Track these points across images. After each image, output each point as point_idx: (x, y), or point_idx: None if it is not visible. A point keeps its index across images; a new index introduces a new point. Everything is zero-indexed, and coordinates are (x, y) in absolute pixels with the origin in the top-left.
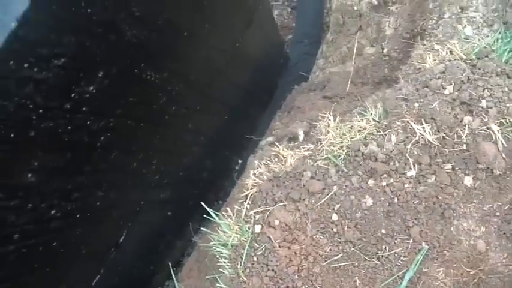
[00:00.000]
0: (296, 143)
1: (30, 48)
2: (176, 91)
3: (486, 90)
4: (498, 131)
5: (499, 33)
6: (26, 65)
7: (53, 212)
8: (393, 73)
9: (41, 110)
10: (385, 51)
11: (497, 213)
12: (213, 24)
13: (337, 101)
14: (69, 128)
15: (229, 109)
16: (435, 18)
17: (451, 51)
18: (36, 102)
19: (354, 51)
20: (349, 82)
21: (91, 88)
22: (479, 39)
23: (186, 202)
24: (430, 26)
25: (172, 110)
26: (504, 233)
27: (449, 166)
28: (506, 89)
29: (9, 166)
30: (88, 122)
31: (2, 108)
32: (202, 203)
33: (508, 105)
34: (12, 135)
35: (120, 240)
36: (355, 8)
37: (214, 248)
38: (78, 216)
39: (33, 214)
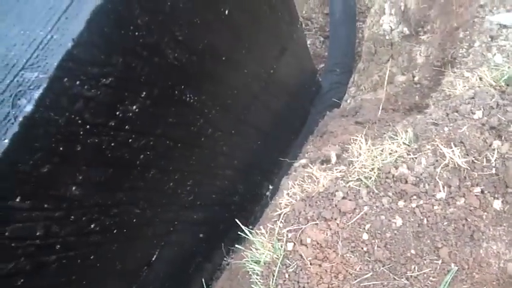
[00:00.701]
0: (329, 165)
1: (82, 67)
2: (213, 114)
3: None
4: None
5: None
6: (77, 83)
7: (92, 225)
8: (424, 100)
9: (88, 126)
10: (416, 79)
11: None
12: (250, 50)
13: (368, 126)
14: (112, 144)
15: (263, 134)
16: (465, 47)
17: (480, 78)
18: (84, 118)
19: (386, 78)
20: (380, 108)
21: (134, 107)
22: (508, 67)
23: (218, 225)
24: (460, 55)
25: (209, 133)
26: None
27: (478, 189)
28: None
29: (57, 178)
30: (130, 140)
31: (55, 122)
32: (237, 220)
33: None
34: (61, 148)
35: (153, 259)
36: (387, 37)
37: (247, 265)
38: (115, 231)
39: (74, 226)
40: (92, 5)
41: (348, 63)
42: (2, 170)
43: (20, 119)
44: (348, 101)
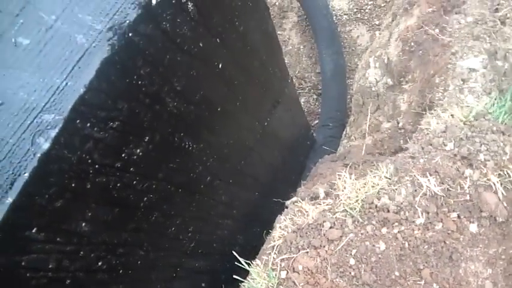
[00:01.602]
0: (317, 200)
1: (92, 110)
2: (211, 162)
3: (483, 145)
4: (497, 182)
5: (495, 98)
6: (88, 125)
7: (100, 263)
8: (407, 143)
9: (97, 166)
10: (400, 124)
11: (503, 256)
12: (243, 103)
13: (355, 167)
14: (118, 185)
15: (260, 186)
16: (441, 90)
17: (452, 115)
18: (93, 158)
19: (369, 126)
20: (364, 148)
21: (138, 151)
22: (477, 104)
23: (219, 275)
24: (437, 98)
25: (208, 180)
26: (510, 274)
27: (454, 214)
28: (501, 144)
29: (69, 213)
30: (134, 182)
31: (68, 160)
32: (234, 252)
33: (504, 158)
34: (73, 185)
35: None
36: (373, 89)
37: None
38: (121, 271)
39: (83, 262)
40: (101, 56)
41: (341, 117)
42: (23, 202)
43: (39, 155)
44: (339, 149)
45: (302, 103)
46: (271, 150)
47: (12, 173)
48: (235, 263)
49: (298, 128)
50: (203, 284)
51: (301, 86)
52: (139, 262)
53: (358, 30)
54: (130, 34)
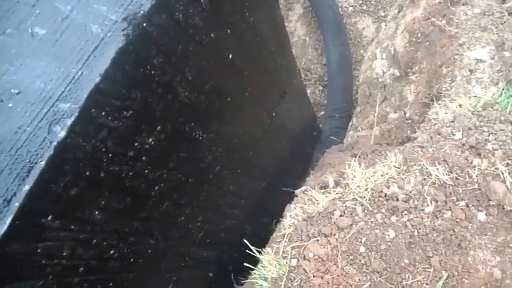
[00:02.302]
0: (327, 189)
1: (107, 99)
2: (220, 152)
3: (491, 135)
4: (505, 171)
5: (503, 89)
6: (103, 113)
7: (112, 251)
8: (415, 133)
9: (110, 154)
10: (407, 115)
11: (511, 245)
12: (252, 93)
13: (364, 156)
14: (130, 174)
15: (268, 176)
16: (448, 81)
17: (460, 105)
18: (107, 146)
19: (378, 116)
20: (372, 138)
21: (150, 140)
22: (485, 94)
23: (227, 265)
24: (444, 89)
25: (216, 170)
26: None
27: (463, 203)
28: (509, 133)
29: (83, 201)
30: (146, 171)
31: (83, 148)
32: (245, 240)
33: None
34: (87, 173)
35: None
36: (380, 80)
37: (255, 282)
38: (132, 260)
39: (96, 250)
40: (116, 46)
41: (346, 108)
42: (39, 189)
43: (55, 143)
44: (347, 139)
45: (308, 94)
46: (279, 141)
47: (29, 161)
48: (245, 252)
49: (305, 118)
50: (211, 274)
51: (307, 77)
52: (149, 251)
53: (363, 21)
54: (144, 24)
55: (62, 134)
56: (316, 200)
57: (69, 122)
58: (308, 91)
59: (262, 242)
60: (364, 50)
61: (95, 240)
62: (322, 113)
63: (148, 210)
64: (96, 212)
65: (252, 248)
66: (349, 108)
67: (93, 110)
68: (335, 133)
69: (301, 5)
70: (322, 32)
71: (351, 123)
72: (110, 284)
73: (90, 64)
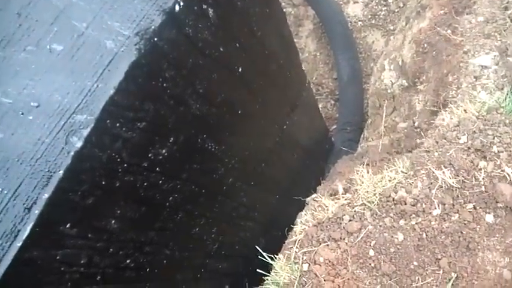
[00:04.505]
0: (336, 196)
1: (121, 111)
2: (232, 164)
3: (496, 137)
4: (511, 173)
5: (507, 93)
6: (117, 125)
7: (128, 261)
8: (423, 141)
9: (125, 165)
10: (416, 124)
11: None
12: (263, 105)
13: (373, 164)
14: (145, 184)
15: (281, 189)
16: (454, 88)
17: (465, 110)
18: (122, 156)
19: (384, 126)
20: (380, 145)
21: (163, 151)
22: (489, 99)
23: (242, 278)
24: (450, 96)
25: (229, 182)
26: None
27: (470, 205)
28: None
29: (99, 210)
30: (160, 182)
31: (98, 158)
32: (257, 247)
33: None
34: (103, 183)
35: None
36: (389, 91)
37: (267, 287)
38: (148, 270)
39: (113, 259)
40: (129, 60)
41: (358, 121)
42: (57, 197)
43: (72, 153)
44: (357, 151)
45: (320, 109)
46: (290, 154)
47: (48, 171)
48: (259, 264)
49: (317, 131)
50: (227, 286)
51: (318, 92)
52: (165, 261)
53: (373, 35)
54: (155, 39)
55: (79, 144)
56: (326, 206)
57: (85, 132)
58: (320, 105)
59: (275, 254)
60: (374, 63)
61: (111, 249)
62: (334, 126)
63: (163, 220)
64: (113, 221)
65: (264, 254)
66: (361, 121)
67: (108, 121)
68: (347, 146)
69: (311, 21)
70: (332, 46)
71: (362, 136)
72: None
73: (105, 77)
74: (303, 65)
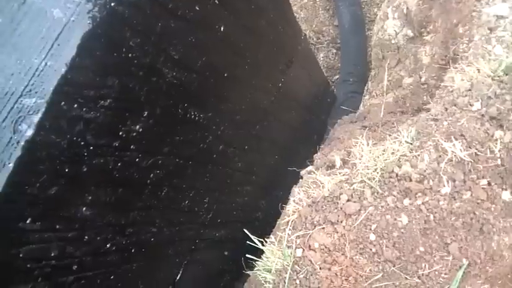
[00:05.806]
0: (333, 170)
1: (78, 90)
2: (222, 130)
3: None
4: None
5: None
6: (75, 106)
7: (108, 245)
8: (431, 99)
9: (91, 147)
10: (422, 79)
11: None
12: (253, 66)
13: (374, 129)
14: (119, 164)
15: (280, 149)
16: (466, 41)
17: (478, 70)
18: (86, 139)
19: (387, 82)
20: (382, 110)
21: (137, 127)
22: (507, 56)
23: (243, 242)
24: (461, 50)
25: (220, 149)
26: None
27: (484, 181)
28: None
29: (66, 199)
30: (137, 159)
31: (56, 145)
32: (245, 230)
33: None
34: (66, 170)
35: (177, 278)
36: (393, 41)
37: (258, 274)
38: (133, 251)
39: (90, 246)
40: (82, 30)
41: (361, 72)
42: (9, 193)
43: (22, 143)
44: (360, 107)
45: (321, 58)
46: (288, 112)
47: None
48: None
49: (317, 85)
50: (226, 253)
51: (319, 40)
52: (152, 239)
53: None
54: (112, 4)
55: (30, 132)
56: (322, 183)
57: (36, 118)
58: (321, 55)
59: (277, 215)
60: (378, 8)
61: (86, 237)
62: (337, 76)
63: (145, 199)
64: (84, 208)
65: (253, 237)
66: (364, 72)
67: (62, 103)
68: (350, 98)
69: None
70: None
71: (366, 87)
72: (112, 277)
73: (55, 53)
74: (302, 12)
